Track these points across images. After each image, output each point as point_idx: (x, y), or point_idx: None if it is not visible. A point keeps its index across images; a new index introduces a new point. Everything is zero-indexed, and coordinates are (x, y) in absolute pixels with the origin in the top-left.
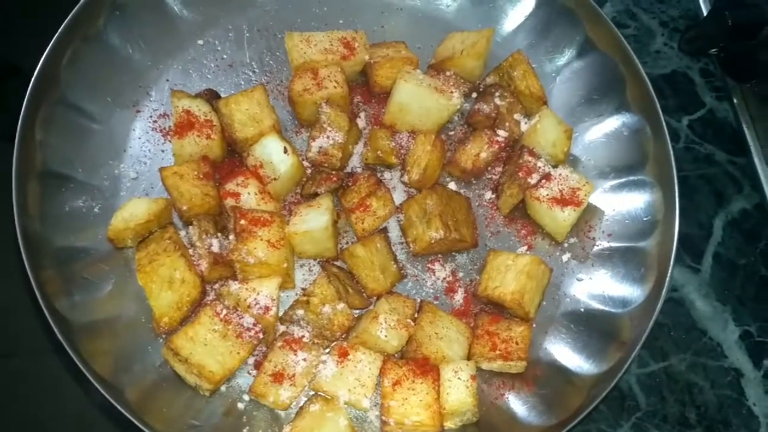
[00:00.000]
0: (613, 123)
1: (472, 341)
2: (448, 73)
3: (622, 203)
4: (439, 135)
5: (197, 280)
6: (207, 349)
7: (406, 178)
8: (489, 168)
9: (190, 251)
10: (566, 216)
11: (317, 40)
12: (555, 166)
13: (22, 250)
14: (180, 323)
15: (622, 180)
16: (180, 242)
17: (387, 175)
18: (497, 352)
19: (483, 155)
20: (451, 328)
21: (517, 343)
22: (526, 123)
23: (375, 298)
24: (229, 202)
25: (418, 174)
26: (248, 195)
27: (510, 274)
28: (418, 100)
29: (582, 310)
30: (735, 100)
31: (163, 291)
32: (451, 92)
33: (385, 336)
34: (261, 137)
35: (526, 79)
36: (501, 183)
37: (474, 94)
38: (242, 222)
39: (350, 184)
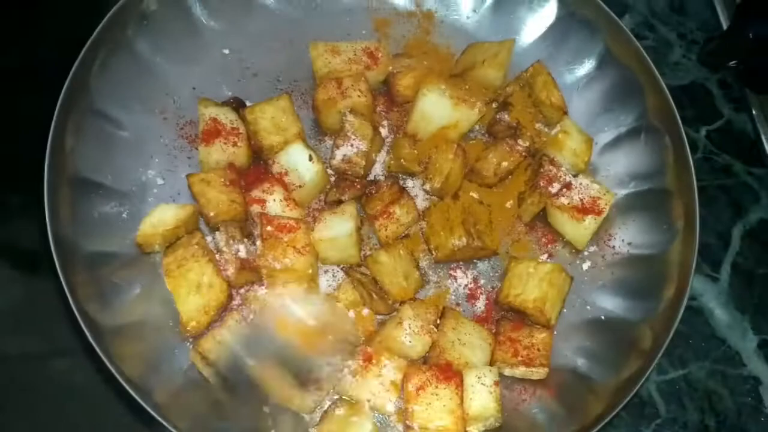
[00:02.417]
0: (633, 133)
1: (494, 347)
2: (469, 83)
3: (641, 212)
4: (461, 144)
5: (224, 284)
6: None
7: (428, 187)
8: (510, 177)
9: (217, 256)
10: (587, 224)
11: (341, 49)
12: (576, 175)
13: (53, 254)
14: (207, 327)
15: (642, 189)
16: (207, 248)
17: (409, 182)
18: (519, 358)
19: (504, 164)
20: (474, 334)
21: (539, 350)
22: (546, 132)
23: (398, 303)
24: (255, 208)
25: (440, 182)
26: (274, 202)
27: (532, 282)
28: (440, 110)
29: (602, 318)
30: (754, 111)
31: (191, 295)
32: (473, 102)
33: (410, 341)
34: (286, 145)
35: (546, 89)
36: (522, 192)
37: (495, 104)
38: (268, 228)
39: (373, 191)
